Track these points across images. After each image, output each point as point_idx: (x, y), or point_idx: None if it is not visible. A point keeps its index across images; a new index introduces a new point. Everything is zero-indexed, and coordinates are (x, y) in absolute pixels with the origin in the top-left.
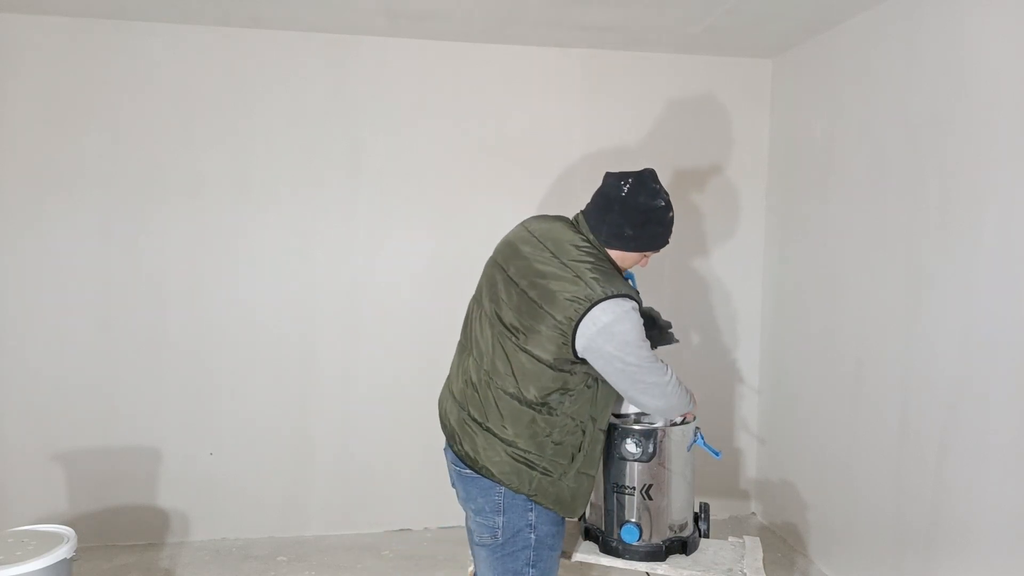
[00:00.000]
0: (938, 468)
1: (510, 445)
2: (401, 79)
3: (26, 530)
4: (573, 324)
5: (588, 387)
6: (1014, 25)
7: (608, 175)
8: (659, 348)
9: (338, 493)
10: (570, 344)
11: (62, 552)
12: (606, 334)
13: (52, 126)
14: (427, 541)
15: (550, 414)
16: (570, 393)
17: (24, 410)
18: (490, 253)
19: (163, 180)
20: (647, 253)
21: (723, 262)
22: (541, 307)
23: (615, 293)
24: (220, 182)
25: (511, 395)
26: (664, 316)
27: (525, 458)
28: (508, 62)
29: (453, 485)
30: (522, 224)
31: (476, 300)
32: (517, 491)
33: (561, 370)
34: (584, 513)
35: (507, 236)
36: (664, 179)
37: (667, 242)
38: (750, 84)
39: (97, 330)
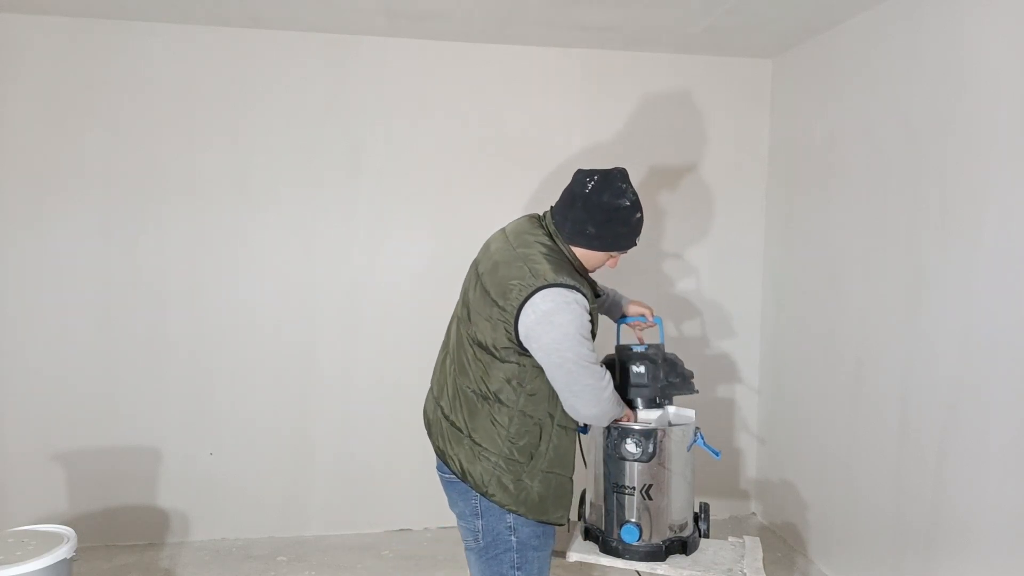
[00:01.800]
0: (938, 468)
1: (469, 439)
2: (401, 79)
3: (26, 530)
4: (515, 310)
5: (543, 382)
6: (1014, 25)
7: (578, 172)
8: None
9: (338, 493)
10: (513, 331)
11: (62, 552)
12: (545, 323)
13: (52, 126)
14: (427, 541)
15: (504, 408)
16: (524, 387)
17: (24, 410)
18: None
19: (163, 180)
20: (613, 253)
21: (723, 262)
22: (489, 294)
23: (559, 283)
24: (220, 182)
25: (470, 389)
26: (664, 317)
27: (482, 454)
28: (508, 62)
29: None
30: (502, 227)
31: (458, 301)
32: (476, 487)
33: (508, 360)
34: (581, 515)
35: (488, 238)
36: (664, 179)
37: (634, 243)
38: (750, 84)
39: (97, 330)
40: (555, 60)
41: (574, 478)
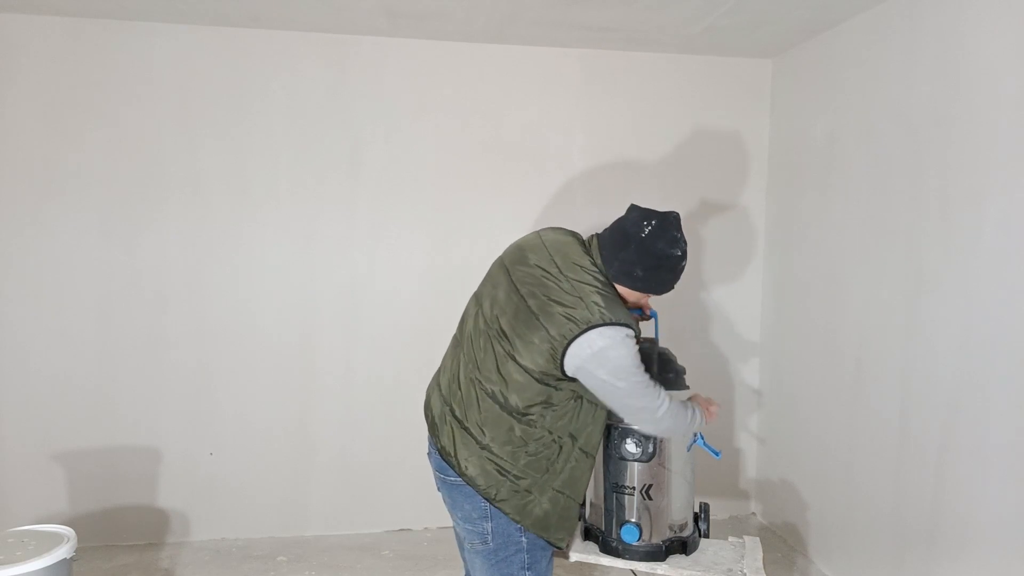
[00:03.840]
0: (938, 468)
1: (484, 448)
2: (401, 79)
3: (26, 530)
4: (566, 342)
5: (572, 404)
6: (1014, 25)
7: (633, 209)
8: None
9: (338, 493)
10: (559, 361)
11: (62, 552)
12: (600, 358)
13: (52, 126)
14: (427, 541)
15: (530, 425)
16: (553, 408)
17: (24, 410)
18: (489, 253)
19: (163, 180)
20: (651, 295)
21: (723, 262)
22: (537, 318)
23: (614, 320)
24: (220, 182)
25: (494, 399)
26: (664, 317)
27: (497, 464)
28: (508, 62)
29: (439, 490)
30: (536, 232)
31: (476, 298)
32: (485, 495)
33: (546, 384)
34: (581, 515)
35: (519, 240)
36: (663, 179)
37: (672, 288)
38: (750, 84)
39: (97, 330)
40: (555, 60)
41: (583, 505)
